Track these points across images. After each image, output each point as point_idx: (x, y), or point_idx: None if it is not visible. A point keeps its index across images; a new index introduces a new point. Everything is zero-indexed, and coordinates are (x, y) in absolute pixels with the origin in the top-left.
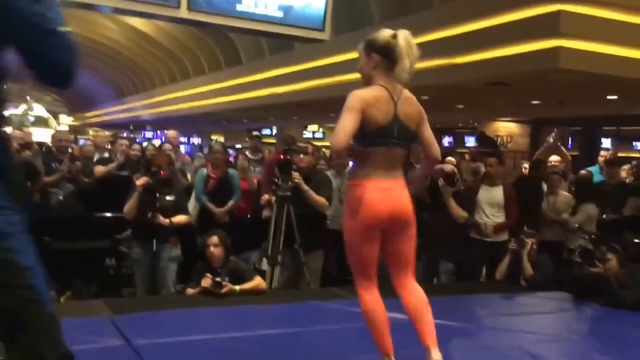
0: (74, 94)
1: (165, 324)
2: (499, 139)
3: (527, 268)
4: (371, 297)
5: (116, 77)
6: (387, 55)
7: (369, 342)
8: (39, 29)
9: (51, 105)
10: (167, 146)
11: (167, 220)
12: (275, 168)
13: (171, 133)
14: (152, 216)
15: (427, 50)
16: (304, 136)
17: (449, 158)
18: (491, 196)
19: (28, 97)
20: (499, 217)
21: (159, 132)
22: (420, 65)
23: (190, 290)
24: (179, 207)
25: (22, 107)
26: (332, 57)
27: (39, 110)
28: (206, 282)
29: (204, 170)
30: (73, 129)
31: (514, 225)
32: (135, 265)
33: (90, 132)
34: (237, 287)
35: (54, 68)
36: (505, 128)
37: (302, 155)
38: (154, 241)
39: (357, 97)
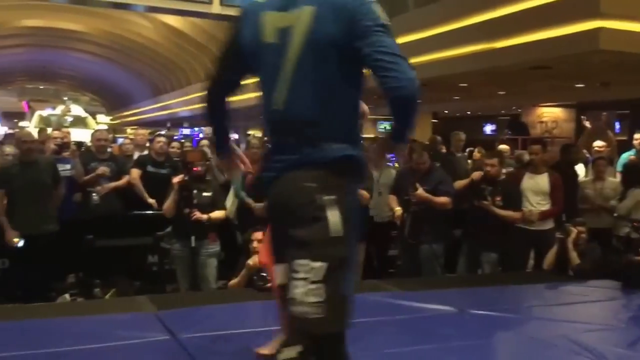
0: (111, 93)
1: (209, 318)
2: (543, 125)
3: (573, 257)
4: None
5: (152, 75)
6: None
7: (412, 334)
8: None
9: (89, 105)
10: (205, 142)
11: (204, 216)
12: None
13: (208, 130)
14: (189, 212)
15: (465, 35)
16: None
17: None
18: (536, 184)
19: (65, 98)
20: (544, 206)
21: (196, 128)
22: (458, 51)
23: (232, 282)
24: (217, 202)
25: (60, 108)
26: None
27: (77, 110)
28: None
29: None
30: (111, 128)
31: (560, 214)
32: (176, 261)
33: (128, 130)
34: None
35: (400, 90)
36: (550, 113)
37: None
38: (193, 237)
39: None
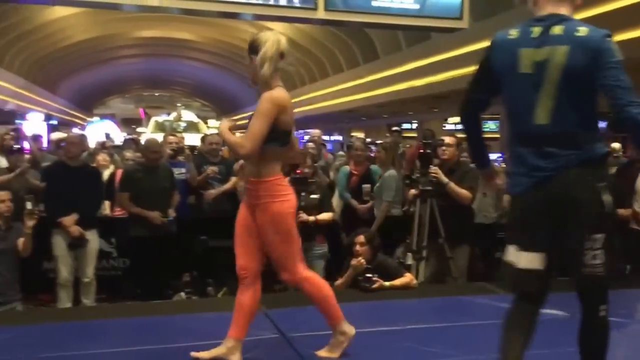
0: (221, 98)
1: (317, 317)
2: None
3: None
4: (317, 277)
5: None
6: (282, 57)
7: None
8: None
9: (200, 110)
10: (311, 145)
11: (310, 218)
12: (415, 162)
13: (315, 132)
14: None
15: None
16: (445, 129)
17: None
18: None
19: (179, 104)
20: None
21: (300, 131)
22: None
23: (337, 282)
24: (324, 204)
25: (174, 114)
26: (471, 45)
27: (189, 116)
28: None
29: (347, 167)
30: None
31: None
32: None
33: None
34: (388, 284)
35: (626, 113)
36: None
37: (444, 148)
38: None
39: (276, 102)
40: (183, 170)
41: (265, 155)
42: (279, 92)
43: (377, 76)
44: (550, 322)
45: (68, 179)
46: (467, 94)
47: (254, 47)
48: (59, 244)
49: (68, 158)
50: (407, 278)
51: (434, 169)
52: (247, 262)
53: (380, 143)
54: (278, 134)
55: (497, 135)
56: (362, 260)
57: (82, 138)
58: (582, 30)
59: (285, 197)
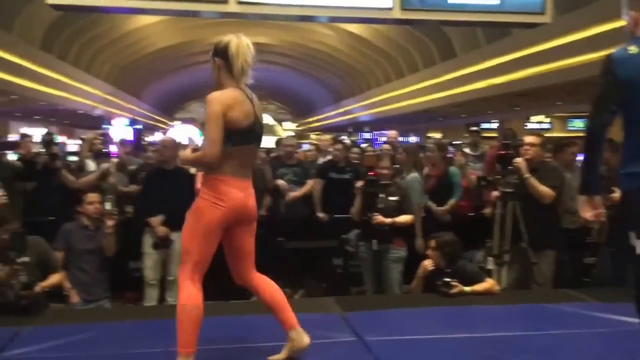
0: (296, 101)
1: (394, 322)
2: None
3: None
4: (196, 291)
5: (333, 81)
6: (225, 58)
7: (611, 350)
8: None
9: (276, 113)
10: (387, 147)
11: (387, 220)
12: (496, 163)
13: (392, 133)
14: (370, 216)
15: None
16: (528, 127)
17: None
18: None
19: None
20: None
21: (376, 132)
22: None
23: (413, 285)
24: (404, 207)
25: None
26: (555, 40)
27: (266, 119)
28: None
29: (424, 169)
30: (297, 135)
31: None
32: (362, 264)
33: (312, 136)
34: (468, 289)
35: None
36: None
37: (527, 147)
38: (375, 241)
39: (217, 102)
40: None
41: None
42: (219, 92)
43: (455, 74)
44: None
45: (163, 182)
46: (598, 108)
47: (217, 50)
48: (148, 243)
49: (162, 161)
50: (489, 283)
51: (517, 160)
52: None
53: (402, 145)
54: (227, 133)
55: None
56: (429, 262)
57: (176, 141)
58: None
59: (215, 201)
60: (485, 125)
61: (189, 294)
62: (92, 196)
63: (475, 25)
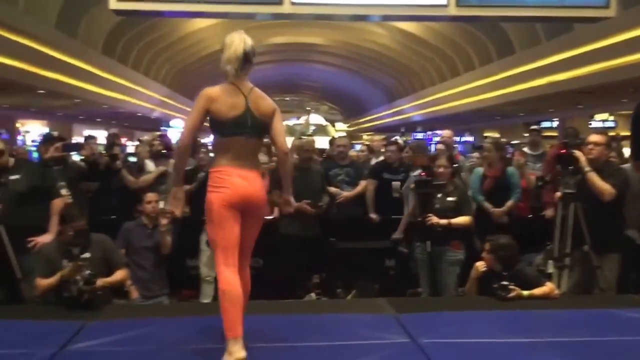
0: (348, 101)
1: (448, 324)
2: None
3: None
4: (232, 275)
5: (386, 81)
6: (222, 51)
7: None
8: None
9: (328, 114)
10: (441, 146)
11: (442, 221)
12: (556, 164)
13: (446, 133)
14: (424, 217)
15: None
16: (591, 127)
17: None
18: None
19: (308, 108)
20: None
21: (429, 132)
22: None
23: (467, 287)
24: (461, 208)
25: (303, 118)
26: (620, 34)
27: (318, 119)
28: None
29: (480, 169)
30: (348, 135)
31: None
32: (418, 265)
33: (364, 136)
34: (526, 293)
35: None
36: None
37: (591, 147)
38: (428, 242)
39: (201, 96)
40: None
41: (214, 147)
42: (208, 88)
43: (513, 72)
44: None
45: None
46: None
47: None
48: (204, 240)
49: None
50: (548, 288)
51: (577, 153)
52: None
53: (410, 144)
54: (214, 124)
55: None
56: (482, 264)
57: None
58: None
59: (217, 189)
60: (546, 124)
61: (225, 279)
62: (150, 196)
63: (535, 21)
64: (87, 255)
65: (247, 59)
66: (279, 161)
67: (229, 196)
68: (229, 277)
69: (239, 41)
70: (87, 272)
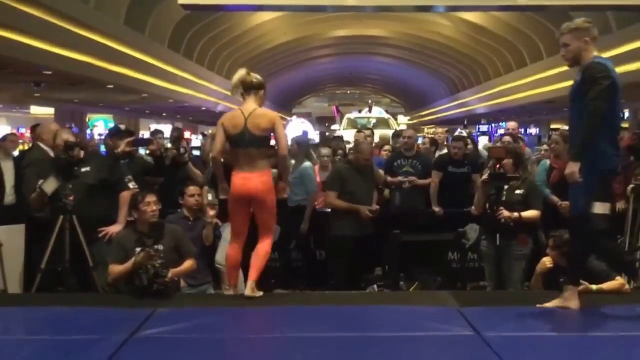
0: (410, 93)
1: (513, 318)
2: None
3: None
4: (232, 250)
5: (449, 73)
6: None
7: None
8: None
9: (389, 106)
10: (507, 138)
11: (513, 214)
12: (629, 155)
13: (511, 124)
14: (492, 210)
15: None
16: None
17: None
18: None
19: (369, 101)
20: None
21: (493, 125)
22: None
23: (532, 281)
24: (530, 201)
25: (365, 111)
26: None
27: (379, 112)
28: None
29: (547, 161)
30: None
31: None
32: (484, 259)
33: (425, 129)
34: (595, 287)
35: None
36: None
37: None
38: (497, 235)
39: (221, 119)
40: None
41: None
42: (223, 115)
43: None
44: None
45: None
46: None
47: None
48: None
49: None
50: (618, 282)
51: None
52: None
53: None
54: (227, 140)
55: None
56: (549, 259)
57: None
58: None
59: (230, 189)
60: None
61: (229, 251)
62: (192, 189)
63: (606, 9)
64: (159, 247)
65: (245, 87)
66: (278, 159)
67: (234, 193)
68: (230, 251)
69: (235, 76)
70: (159, 262)
